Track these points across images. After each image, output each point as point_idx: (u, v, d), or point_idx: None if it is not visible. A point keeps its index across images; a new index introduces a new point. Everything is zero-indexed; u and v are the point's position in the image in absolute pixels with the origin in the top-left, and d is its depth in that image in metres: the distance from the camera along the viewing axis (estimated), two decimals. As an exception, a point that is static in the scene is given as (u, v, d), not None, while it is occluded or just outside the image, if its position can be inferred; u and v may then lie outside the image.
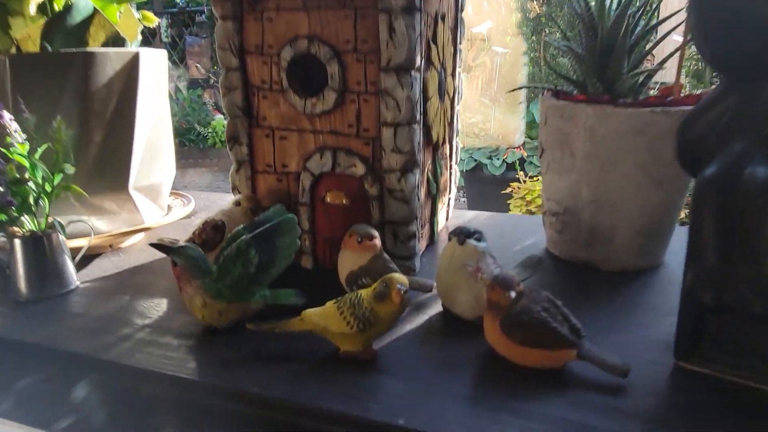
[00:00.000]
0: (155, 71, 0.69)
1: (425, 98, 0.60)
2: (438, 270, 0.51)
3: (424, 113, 0.61)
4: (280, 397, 0.40)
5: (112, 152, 0.66)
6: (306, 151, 0.61)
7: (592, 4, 0.60)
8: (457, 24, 0.73)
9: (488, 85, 2.98)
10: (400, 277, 0.43)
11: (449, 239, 0.50)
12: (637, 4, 0.58)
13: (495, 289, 0.42)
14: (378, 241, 0.53)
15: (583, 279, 0.59)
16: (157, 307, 0.55)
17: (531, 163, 3.48)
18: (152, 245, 0.49)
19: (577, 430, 0.36)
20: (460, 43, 0.76)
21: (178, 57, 8.23)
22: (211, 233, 0.58)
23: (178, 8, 7.73)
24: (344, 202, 0.60)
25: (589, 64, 0.59)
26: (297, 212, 0.62)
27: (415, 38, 0.54)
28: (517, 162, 2.64)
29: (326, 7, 0.56)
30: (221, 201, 0.95)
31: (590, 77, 0.58)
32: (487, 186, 2.84)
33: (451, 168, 0.78)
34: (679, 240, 0.62)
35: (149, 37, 8.03)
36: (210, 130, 5.98)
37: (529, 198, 1.91)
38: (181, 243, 0.49)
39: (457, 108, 0.77)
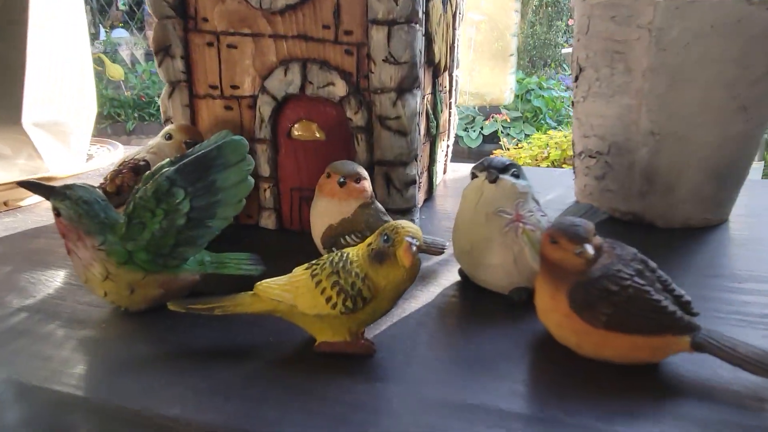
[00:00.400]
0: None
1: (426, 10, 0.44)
2: (456, 223, 0.35)
3: (426, 15, 0.45)
4: (217, 425, 0.24)
5: (-5, 71, 0.48)
6: (264, 66, 0.44)
7: None
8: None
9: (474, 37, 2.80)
10: (409, 227, 0.27)
11: (473, 176, 0.35)
12: None
13: (560, 241, 0.27)
14: (368, 183, 0.37)
15: (634, 239, 0.45)
16: (49, 282, 0.38)
17: (508, 135, 3.35)
18: (21, 184, 0.31)
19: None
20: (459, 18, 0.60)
21: (137, 27, 7.79)
22: (130, 177, 0.41)
23: (135, -27, 7.29)
24: (318, 136, 0.44)
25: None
26: (253, 152, 0.45)
27: None
28: (500, 131, 2.50)
29: None
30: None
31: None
32: (463, 161, 2.69)
33: (450, 107, 0.62)
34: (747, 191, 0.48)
35: (105, 6, 7.61)
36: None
37: (515, 165, 1.76)
38: (71, 183, 0.32)
39: (457, 32, 0.61)
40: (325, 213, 0.37)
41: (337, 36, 0.42)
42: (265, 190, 0.46)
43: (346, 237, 0.36)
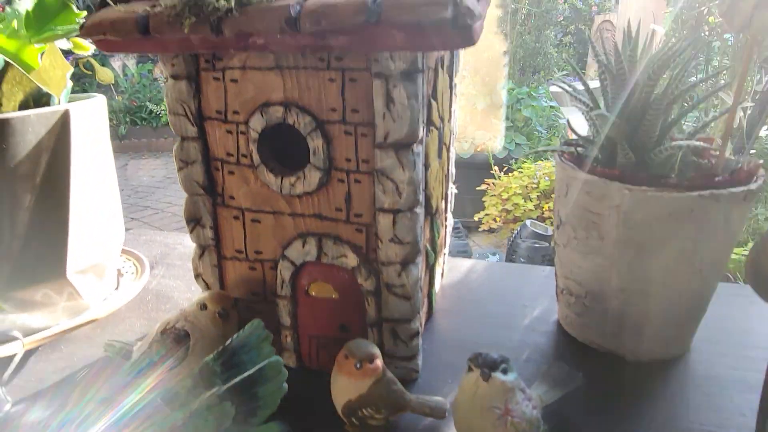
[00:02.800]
0: (92, 125, 0.56)
1: (425, 167, 0.51)
2: (455, 404, 0.42)
3: (425, 185, 0.51)
4: None
5: (43, 235, 0.53)
6: (284, 237, 0.50)
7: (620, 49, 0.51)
8: (453, 58, 0.63)
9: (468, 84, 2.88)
10: None
11: (468, 369, 0.41)
12: (681, 55, 0.49)
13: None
14: (380, 361, 0.44)
15: (606, 368, 0.52)
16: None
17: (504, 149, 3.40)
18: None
19: None
20: (456, 76, 0.66)
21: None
22: (172, 347, 0.47)
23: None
24: (333, 296, 0.51)
25: (619, 127, 0.50)
26: (275, 305, 0.52)
27: (417, 108, 0.44)
28: (491, 159, 2.55)
29: (305, 67, 0.45)
30: (180, 246, 0.84)
31: (621, 142, 0.49)
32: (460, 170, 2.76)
33: (446, 219, 0.68)
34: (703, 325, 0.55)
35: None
36: (163, 108, 5.73)
37: (505, 196, 1.84)
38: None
39: (452, 150, 0.67)
40: (345, 390, 0.44)
41: (348, 217, 0.48)
42: (286, 336, 0.53)
43: (363, 410, 0.43)
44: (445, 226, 0.68)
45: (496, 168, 2.07)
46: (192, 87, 0.47)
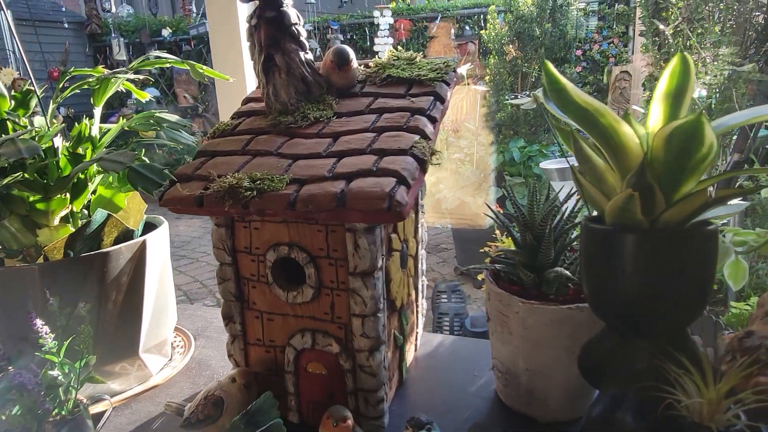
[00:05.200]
0: (159, 248, 0.80)
1: (387, 280, 0.72)
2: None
3: (388, 292, 0.73)
4: None
5: (124, 326, 0.77)
6: (290, 331, 0.72)
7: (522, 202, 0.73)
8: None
9: (462, 164, 3.14)
10: None
11: (405, 428, 0.62)
12: (561, 200, 0.70)
13: None
14: (351, 421, 0.65)
15: (522, 426, 0.71)
16: (169, 477, 0.66)
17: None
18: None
19: None
20: (421, 201, 0.88)
21: (166, 85, 8.35)
22: (212, 409, 0.69)
23: (165, 39, 7.85)
24: (323, 372, 0.72)
25: (522, 256, 0.71)
26: (283, 378, 0.74)
27: (375, 250, 0.66)
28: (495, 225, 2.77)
29: (302, 222, 0.68)
30: (216, 320, 1.07)
31: (522, 268, 0.70)
32: (469, 244, 2.97)
33: (417, 307, 0.90)
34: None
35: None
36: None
37: (504, 258, 2.02)
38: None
39: (421, 252, 0.89)
40: (326, 441, 0.65)
41: (332, 318, 0.70)
42: (291, 400, 0.74)
43: (339, 457, 0.64)
44: (416, 312, 0.89)
45: (498, 231, 2.28)
46: (228, 232, 0.71)
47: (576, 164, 0.58)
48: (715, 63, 1.62)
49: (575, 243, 0.73)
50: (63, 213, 0.72)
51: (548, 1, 3.71)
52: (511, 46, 3.75)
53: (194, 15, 8.05)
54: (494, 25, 3.83)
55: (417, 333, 0.92)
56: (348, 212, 0.61)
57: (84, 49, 8.24)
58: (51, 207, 0.70)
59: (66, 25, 7.85)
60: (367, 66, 0.87)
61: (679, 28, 1.79)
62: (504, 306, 0.70)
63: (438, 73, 0.81)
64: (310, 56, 0.80)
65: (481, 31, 4.30)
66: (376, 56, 1.03)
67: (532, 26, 3.68)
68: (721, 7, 1.75)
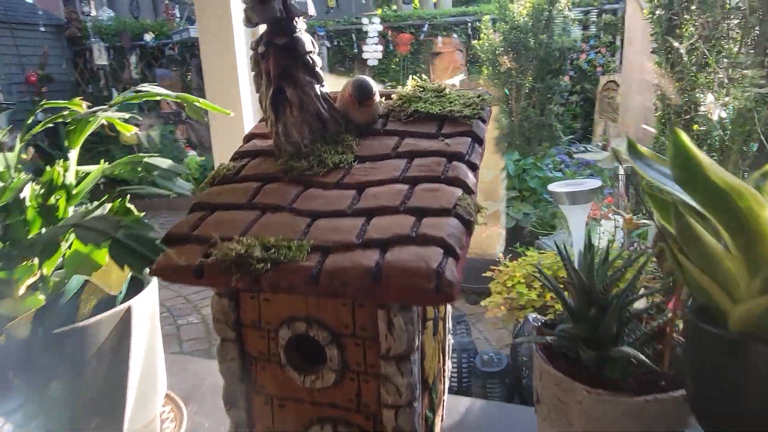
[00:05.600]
0: (146, 313, 0.68)
1: (422, 357, 0.61)
2: None
3: (422, 370, 0.61)
4: None
5: (105, 408, 0.64)
6: (305, 419, 0.61)
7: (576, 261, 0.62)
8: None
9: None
10: None
11: None
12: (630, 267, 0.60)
13: None
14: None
15: None
16: None
17: (507, 214, 3.51)
18: None
19: None
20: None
21: (149, 90, 8.16)
22: None
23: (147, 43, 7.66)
24: (345, 470, 0.60)
25: (580, 329, 0.60)
26: (297, 473, 0.62)
27: (413, 330, 0.55)
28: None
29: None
30: (208, 376, 0.94)
31: (581, 344, 0.60)
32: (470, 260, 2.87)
33: (444, 372, 0.78)
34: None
35: (118, 70, 7.97)
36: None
37: (510, 284, 1.93)
38: None
39: (448, 308, 0.78)
40: None
41: (358, 407, 0.59)
42: (305, 499, 0.62)
43: None
44: (443, 379, 0.78)
45: (501, 255, 2.18)
46: (232, 303, 0.59)
47: (658, 223, 0.48)
48: (735, 85, 1.54)
49: (643, 314, 0.63)
50: (31, 281, 0.60)
51: (543, 12, 3.63)
52: (505, 57, 3.67)
53: (177, 20, 7.85)
54: (488, 35, 3.75)
55: (443, 401, 0.81)
56: (384, 291, 0.50)
57: (63, 53, 7.99)
58: (15, 276, 0.57)
59: (43, 29, 7.60)
60: (388, 97, 0.76)
61: (694, 46, 1.72)
62: (563, 392, 0.59)
63: (473, 109, 0.70)
64: (326, 89, 0.68)
65: (474, 42, 4.21)
66: (366, 63, 0.92)
67: (527, 37, 3.60)
68: (741, 26, 1.67)
